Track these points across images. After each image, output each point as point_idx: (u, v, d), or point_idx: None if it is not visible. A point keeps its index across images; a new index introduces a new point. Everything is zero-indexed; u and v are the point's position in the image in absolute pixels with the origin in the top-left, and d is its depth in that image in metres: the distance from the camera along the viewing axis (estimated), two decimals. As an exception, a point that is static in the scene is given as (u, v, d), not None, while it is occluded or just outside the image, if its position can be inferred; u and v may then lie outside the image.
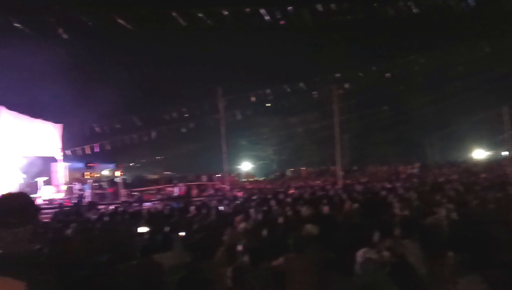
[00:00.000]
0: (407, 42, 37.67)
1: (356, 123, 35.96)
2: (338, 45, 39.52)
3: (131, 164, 36.07)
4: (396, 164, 37.25)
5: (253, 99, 24.93)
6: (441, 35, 36.18)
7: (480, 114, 35.78)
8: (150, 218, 9.15)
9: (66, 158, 22.91)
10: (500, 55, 26.17)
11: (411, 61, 26.02)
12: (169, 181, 31.10)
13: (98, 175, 25.44)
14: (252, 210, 8.41)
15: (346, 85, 25.39)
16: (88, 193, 20.72)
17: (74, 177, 23.09)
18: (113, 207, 13.57)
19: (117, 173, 25.27)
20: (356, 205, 8.73)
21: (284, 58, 42.34)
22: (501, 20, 28.12)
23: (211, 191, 24.72)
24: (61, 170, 22.03)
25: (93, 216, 10.53)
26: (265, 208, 9.51)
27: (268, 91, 24.84)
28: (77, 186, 21.41)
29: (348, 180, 26.10)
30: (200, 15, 15.00)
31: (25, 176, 18.69)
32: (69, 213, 12.96)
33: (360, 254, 3.70)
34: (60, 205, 17.10)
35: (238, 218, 7.07)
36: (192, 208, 10.24)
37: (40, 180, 19.45)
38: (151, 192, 26.77)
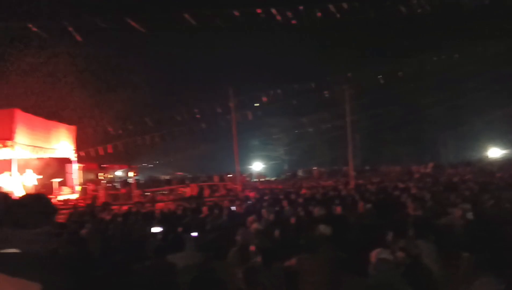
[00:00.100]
0: (419, 41, 37.36)
1: (368, 122, 35.73)
2: (350, 45, 39.36)
3: (144, 165, 36.41)
4: (409, 163, 36.80)
5: (264, 99, 24.95)
6: (454, 34, 35.77)
7: (495, 112, 35.21)
8: (163, 218, 9.20)
9: (80, 159, 23.24)
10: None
11: (424, 60, 25.78)
12: (182, 181, 31.26)
13: (112, 176, 25.70)
14: (264, 211, 8.38)
15: (358, 85, 25.25)
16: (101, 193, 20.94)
17: (88, 178, 23.36)
18: (126, 208, 13.67)
19: (130, 174, 25.49)
20: (369, 205, 8.65)
21: (296, 58, 42.34)
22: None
23: (223, 192, 24.75)
24: (76, 171, 22.33)
25: (107, 217, 10.61)
26: (277, 208, 9.45)
27: (279, 91, 24.85)
28: (91, 187, 21.67)
29: (360, 180, 25.88)
30: (211, 16, 15.06)
31: (41, 177, 19.01)
32: (83, 213, 13.09)
33: (374, 255, 3.68)
34: (75, 206, 17.30)
35: (251, 218, 7.05)
36: (205, 208, 10.25)
37: (55, 181, 19.74)
38: (163, 192, 26.93)
